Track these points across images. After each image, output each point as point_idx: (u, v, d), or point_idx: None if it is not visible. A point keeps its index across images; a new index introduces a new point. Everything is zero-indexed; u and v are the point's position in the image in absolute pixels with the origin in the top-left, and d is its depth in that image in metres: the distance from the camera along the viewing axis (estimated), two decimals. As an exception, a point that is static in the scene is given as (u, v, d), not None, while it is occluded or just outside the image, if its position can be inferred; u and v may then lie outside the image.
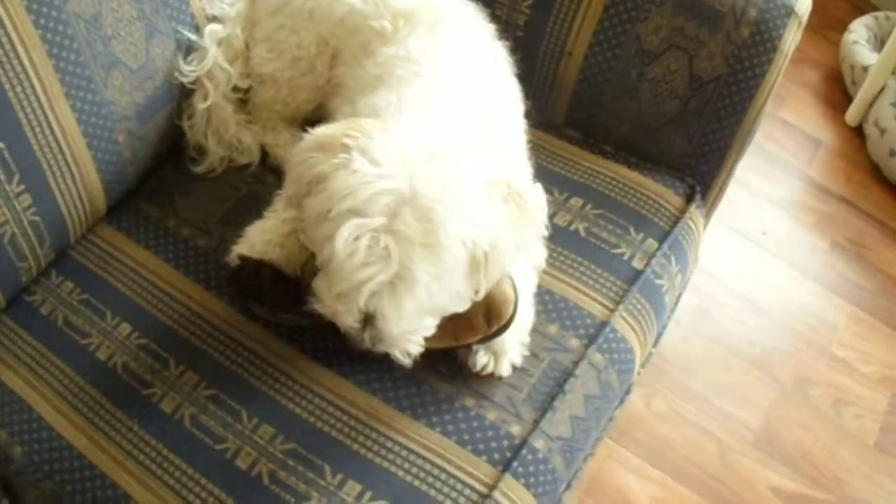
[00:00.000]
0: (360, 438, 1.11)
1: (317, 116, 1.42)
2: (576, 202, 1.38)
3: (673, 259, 1.35)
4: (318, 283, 1.02)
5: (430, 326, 1.06)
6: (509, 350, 1.16)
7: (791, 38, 1.37)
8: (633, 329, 1.26)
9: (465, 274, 1.01)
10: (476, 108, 1.19)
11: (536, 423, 1.14)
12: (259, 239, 1.21)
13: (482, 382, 1.16)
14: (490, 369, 1.16)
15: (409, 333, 1.04)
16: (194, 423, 1.12)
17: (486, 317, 1.10)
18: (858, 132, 2.55)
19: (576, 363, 1.20)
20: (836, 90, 2.68)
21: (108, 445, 1.11)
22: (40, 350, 1.20)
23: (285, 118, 1.44)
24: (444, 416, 1.13)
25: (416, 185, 0.97)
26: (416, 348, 1.06)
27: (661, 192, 1.41)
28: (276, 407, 1.13)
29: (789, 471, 1.88)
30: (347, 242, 0.95)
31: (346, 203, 0.97)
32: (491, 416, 1.14)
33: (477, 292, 1.04)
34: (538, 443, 1.12)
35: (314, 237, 1.02)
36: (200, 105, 1.40)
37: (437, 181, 0.98)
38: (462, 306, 1.05)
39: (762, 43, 1.36)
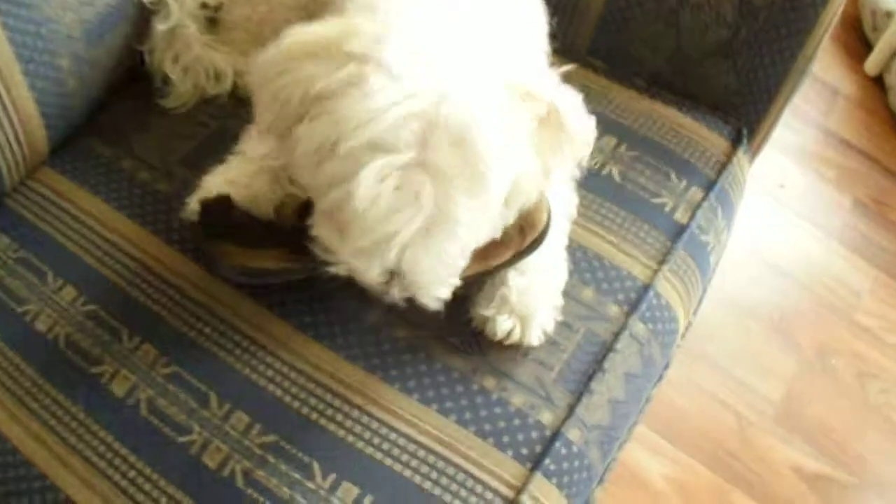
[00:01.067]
0: (357, 429, 0.90)
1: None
2: (609, 141, 1.17)
3: (719, 212, 1.15)
4: (324, 235, 0.80)
5: (465, 264, 0.84)
6: (539, 313, 0.96)
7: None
8: (678, 293, 1.06)
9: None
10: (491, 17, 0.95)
11: (571, 408, 0.94)
12: (218, 181, 1.00)
13: (504, 358, 0.96)
14: (516, 337, 0.95)
15: (445, 278, 0.82)
16: (152, 409, 0.91)
17: (520, 228, 0.90)
18: (878, 82, 2.37)
19: (616, 335, 1.00)
20: (855, 37, 2.49)
21: (47, 437, 0.90)
22: (-34, 318, 0.99)
23: (260, 40, 1.21)
24: (459, 401, 0.92)
25: (446, 104, 0.74)
26: (449, 290, 0.83)
27: (705, 134, 1.21)
28: (253, 389, 0.92)
29: (811, 449, 1.73)
30: (372, 187, 0.73)
31: (365, 134, 0.74)
32: (516, 400, 0.93)
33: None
34: (573, 433, 0.92)
35: (314, 178, 0.79)
36: (161, 27, 1.17)
37: (468, 95, 0.75)
38: (497, 232, 0.85)
39: (827, -39, 1.15)
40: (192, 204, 1.00)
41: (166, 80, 1.19)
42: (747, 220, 2.01)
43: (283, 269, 0.95)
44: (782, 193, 2.13)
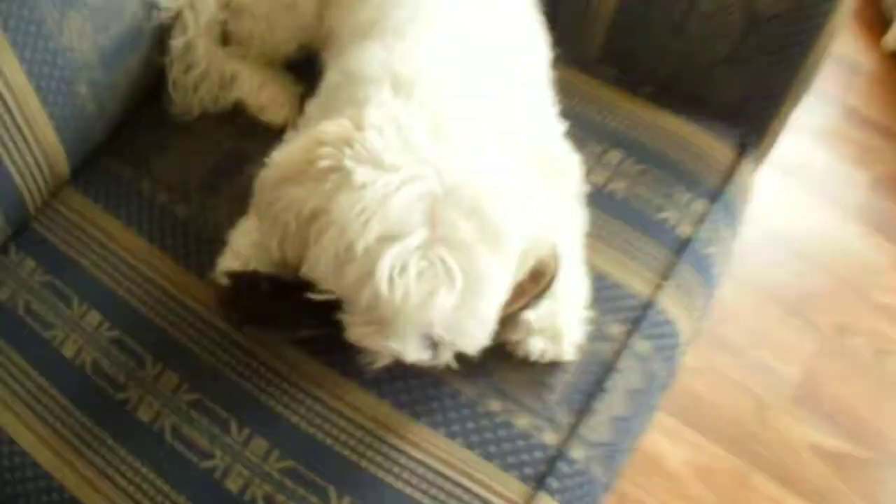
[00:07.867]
0: (369, 453, 0.94)
1: (304, 57, 1.24)
2: (614, 156, 1.19)
3: (723, 223, 1.17)
4: (363, 334, 0.86)
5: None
6: (567, 330, 0.99)
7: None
8: (682, 306, 1.09)
9: None
10: (491, 57, 0.99)
11: (573, 428, 0.97)
12: (244, 242, 1.02)
13: (508, 381, 0.99)
14: (550, 355, 0.99)
15: (486, 332, 0.85)
16: (176, 435, 0.96)
17: (532, 276, 0.92)
18: (897, 59, 2.34)
19: (617, 354, 1.03)
20: (874, 12, 2.44)
21: (77, 462, 0.95)
22: (-3, 344, 1.03)
23: (265, 56, 1.23)
24: (466, 424, 0.96)
25: (445, 176, 0.78)
26: (489, 338, 0.87)
27: (711, 144, 1.22)
28: (270, 416, 0.96)
29: (830, 427, 1.74)
30: (395, 278, 0.77)
31: (373, 229, 0.77)
32: (521, 422, 0.97)
33: None
34: (576, 452, 0.96)
35: (340, 284, 0.82)
36: (176, 42, 1.20)
37: (463, 161, 0.80)
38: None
39: (831, -27, 1.15)
40: (220, 268, 1.02)
41: (175, 87, 1.22)
42: (763, 199, 2.03)
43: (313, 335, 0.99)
44: (800, 172, 2.12)
